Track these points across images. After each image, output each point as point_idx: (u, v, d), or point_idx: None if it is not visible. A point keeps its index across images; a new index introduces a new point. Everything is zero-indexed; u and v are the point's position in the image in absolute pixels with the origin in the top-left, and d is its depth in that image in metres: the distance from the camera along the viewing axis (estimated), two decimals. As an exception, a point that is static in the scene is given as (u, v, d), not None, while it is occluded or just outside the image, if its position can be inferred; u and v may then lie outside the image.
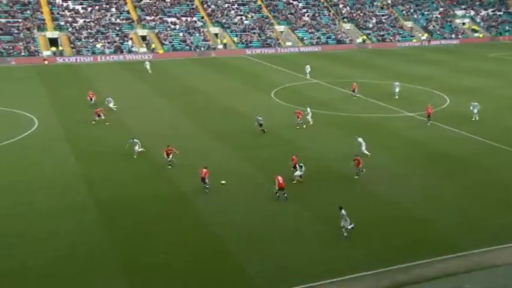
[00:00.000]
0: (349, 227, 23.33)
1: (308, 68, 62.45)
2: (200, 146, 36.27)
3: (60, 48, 75.42)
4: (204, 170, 28.22)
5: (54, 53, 74.06)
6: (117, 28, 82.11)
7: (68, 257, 21.77)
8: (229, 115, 44.27)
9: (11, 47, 72.14)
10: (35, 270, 20.79)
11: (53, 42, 76.77)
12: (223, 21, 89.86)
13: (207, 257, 22.03)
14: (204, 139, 37.76)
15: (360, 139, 33.97)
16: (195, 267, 21.32)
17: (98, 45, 77.00)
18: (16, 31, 75.61)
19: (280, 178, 27.17)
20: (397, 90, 51.53)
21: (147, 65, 64.43)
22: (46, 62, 70.40)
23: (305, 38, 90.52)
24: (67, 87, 55.73)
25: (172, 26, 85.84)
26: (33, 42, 74.82)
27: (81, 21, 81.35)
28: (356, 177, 30.09)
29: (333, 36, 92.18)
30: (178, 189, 28.69)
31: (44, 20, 79.37)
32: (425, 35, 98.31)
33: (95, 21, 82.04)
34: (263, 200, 27.48)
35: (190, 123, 42.08)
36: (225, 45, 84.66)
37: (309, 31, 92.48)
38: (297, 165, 29.88)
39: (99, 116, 41.30)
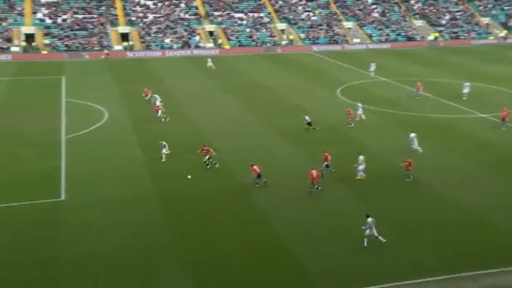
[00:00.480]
0: (379, 237, 22.23)
1: (373, 66, 61.03)
2: (265, 142, 36.41)
3: (131, 43, 78.29)
4: (255, 167, 28.36)
5: (125, 48, 76.98)
6: (186, 23, 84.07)
7: (132, 248, 22.47)
8: (294, 112, 44.14)
9: (86, 42, 75.81)
10: (101, 259, 21.61)
11: (124, 37, 79.87)
12: (290, 17, 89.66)
13: (267, 253, 22.06)
14: (269, 135, 37.85)
15: (413, 134, 32.78)
16: (255, 263, 21.41)
17: (167, 40, 79.18)
18: (91, 26, 79.34)
19: (314, 172, 27.43)
20: (465, 91, 48.89)
21: (209, 62, 65.25)
22: (103, 57, 73.44)
23: (373, 34, 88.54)
24: (136, 81, 57.72)
25: (239, 22, 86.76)
26: (106, 37, 78.18)
27: (151, 16, 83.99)
28: (407, 180, 29.05)
29: (403, 33, 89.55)
30: (239, 184, 28.99)
31: (116, 15, 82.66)
32: (504, 31, 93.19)
33: (164, 17, 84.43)
34: (325, 198, 27.24)
35: (255, 119, 42.34)
36: (291, 41, 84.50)
37: (378, 28, 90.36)
38: (328, 164, 29.63)
39: (157, 112, 41.95)
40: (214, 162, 31.21)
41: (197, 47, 79.63)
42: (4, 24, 75.73)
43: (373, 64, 61.39)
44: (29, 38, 75.20)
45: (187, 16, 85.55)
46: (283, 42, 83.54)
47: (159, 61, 71.07)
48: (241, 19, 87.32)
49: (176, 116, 43.11)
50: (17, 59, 69.44)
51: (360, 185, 28.82)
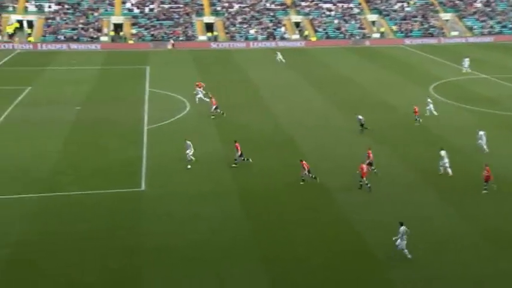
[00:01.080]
0: (404, 250, 21.19)
1: (467, 61, 57.84)
2: (348, 139, 35.93)
3: (215, 33, 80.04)
4: (304, 162, 28.40)
5: (209, 38, 78.86)
6: (271, 14, 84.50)
7: (209, 242, 23.05)
8: (382, 108, 43.05)
9: (171, 32, 78.57)
10: (179, 251, 22.36)
11: (209, 27, 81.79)
12: (382, 8, 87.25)
13: (347, 255, 21.88)
14: (353, 132, 37.25)
15: (482, 132, 31.11)
16: (333, 264, 21.30)
17: (251, 31, 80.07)
18: (177, 16, 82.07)
19: (364, 167, 27.51)
20: None
21: (279, 55, 64.63)
22: (170, 47, 75.40)
23: (475, 27, 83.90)
24: (219, 72, 58.96)
25: (328, 13, 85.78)
26: (191, 27, 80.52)
27: (236, 6, 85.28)
28: (484, 191, 27.16)
29: (510, 25, 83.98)
30: (321, 181, 28.81)
31: (202, 5, 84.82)
32: None
33: (250, 7, 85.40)
34: (413, 203, 26.43)
35: (339, 115, 41.82)
36: (382, 34, 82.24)
37: (480, 19, 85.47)
38: (371, 162, 28.76)
39: (216, 108, 41.51)
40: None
41: (282, 38, 79.78)
42: (95, 14, 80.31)
43: (466, 59, 58.26)
44: (117, 27, 79.24)
45: (273, 6, 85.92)
46: (374, 35, 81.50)
47: (242, 52, 72.07)
48: (330, 10, 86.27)
49: (258, 109, 43.50)
50: (105, 49, 73.38)
51: (450, 190, 27.66)
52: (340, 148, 33.59)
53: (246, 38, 79.12)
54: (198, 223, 24.68)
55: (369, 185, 27.52)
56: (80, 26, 77.64)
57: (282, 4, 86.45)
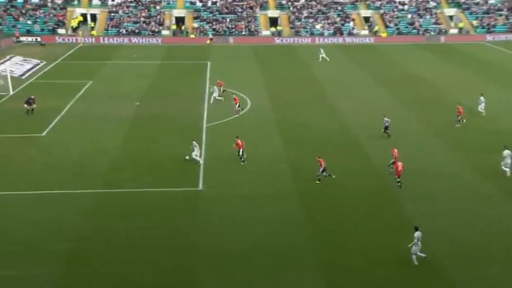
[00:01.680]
0: (422, 254, 21.21)
1: None
2: (418, 142, 35.09)
3: (279, 28, 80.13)
4: (321, 159, 29.01)
5: (272, 33, 79.08)
6: (339, 8, 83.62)
7: (266, 246, 23.14)
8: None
9: (233, 26, 79.47)
10: (235, 254, 22.59)
11: (273, 21, 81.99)
12: (462, 1, 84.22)
13: (411, 268, 21.32)
14: (424, 135, 36.35)
15: (507, 151, 29.43)
16: (398, 276, 20.86)
17: (317, 26, 79.58)
18: (240, 10, 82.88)
19: (400, 165, 28.01)
20: None
21: (322, 53, 62.96)
22: (208, 42, 75.84)
23: None
24: (282, 68, 59.00)
25: (400, 7, 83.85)
26: (254, 22, 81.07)
27: (302, 0, 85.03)
28: None
29: None
30: (388, 188, 28.21)
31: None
32: None
33: (317, 0, 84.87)
34: (486, 214, 25.50)
35: (409, 116, 40.85)
36: (460, 29, 79.41)
37: None
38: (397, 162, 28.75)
39: (239, 107, 41.24)
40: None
41: (350, 34, 78.80)
42: (157, 7, 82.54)
43: None
44: (179, 21, 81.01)
45: (341, 0, 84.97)
46: (451, 31, 78.82)
47: (307, 48, 71.77)
48: (403, 3, 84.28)
49: (322, 108, 43.20)
50: (166, 43, 75.19)
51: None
52: (409, 152, 32.72)
53: (312, 34, 78.71)
54: (255, 226, 24.80)
55: (400, 184, 27.84)
56: (142, 19, 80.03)
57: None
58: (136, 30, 77.81)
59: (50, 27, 77.20)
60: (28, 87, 50.36)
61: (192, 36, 77.69)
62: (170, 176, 30.45)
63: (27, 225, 24.73)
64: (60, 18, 78.94)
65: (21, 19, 77.89)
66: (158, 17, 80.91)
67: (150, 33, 77.64)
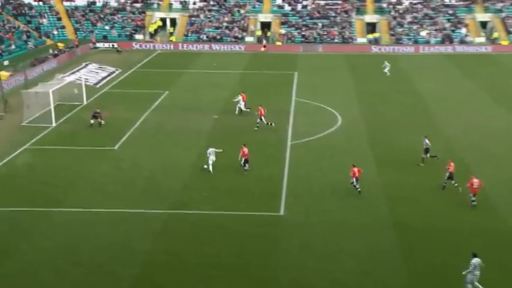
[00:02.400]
0: (472, 284, 20.91)
1: None
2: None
3: (377, 34, 79.12)
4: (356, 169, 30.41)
5: (369, 41, 78.30)
6: (450, 12, 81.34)
7: (355, 284, 22.74)
8: None
9: (325, 33, 79.48)
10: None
11: (371, 28, 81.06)
12: None
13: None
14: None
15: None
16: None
17: (423, 33, 77.83)
18: (333, 14, 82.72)
19: (452, 164, 29.93)
20: None
21: (387, 67, 60.87)
22: (262, 50, 75.55)
23: None
24: (378, 81, 58.16)
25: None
26: (349, 27, 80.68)
27: (406, 3, 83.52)
28: None
29: None
30: (507, 227, 26.95)
31: (364, 1, 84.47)
32: None
33: (424, 3, 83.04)
34: None
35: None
36: None
37: None
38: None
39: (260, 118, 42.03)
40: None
41: (462, 42, 76.46)
42: (242, 11, 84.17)
43: None
44: (265, 26, 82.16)
45: (453, 2, 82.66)
46: None
47: (409, 58, 70.45)
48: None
49: (425, 127, 42.00)
50: (249, 50, 76.58)
51: None
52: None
53: (415, 41, 77.16)
54: (342, 260, 24.43)
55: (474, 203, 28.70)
56: (225, 24, 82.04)
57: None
58: (218, 37, 79.86)
59: (128, 33, 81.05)
60: (102, 97, 52.95)
61: (279, 43, 78.61)
62: (248, 198, 30.71)
63: (94, 245, 25.75)
64: (139, 23, 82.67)
65: (98, 24, 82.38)
66: (242, 22, 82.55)
67: (233, 39, 79.39)
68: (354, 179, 30.54)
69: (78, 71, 61.30)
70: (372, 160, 35.80)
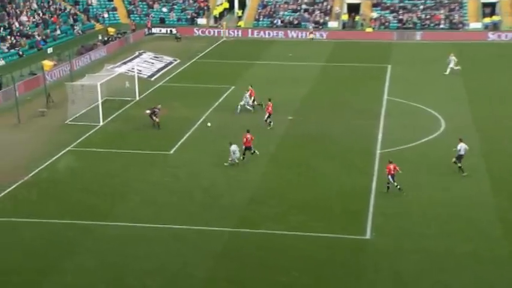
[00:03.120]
0: None
1: None
2: None
3: (496, 18, 76.62)
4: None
5: (486, 27, 75.95)
6: None
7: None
8: None
9: (427, 17, 77.89)
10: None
11: (489, 9, 78.28)
12: None
13: None
14: None
15: None
16: None
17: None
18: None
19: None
20: None
21: (452, 62, 57.92)
22: (310, 36, 75.24)
23: None
24: (497, 77, 56.62)
25: None
26: (460, 10, 78.64)
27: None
28: None
29: None
30: None
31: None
32: None
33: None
34: None
35: None
36: None
37: None
38: None
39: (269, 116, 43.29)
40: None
41: None
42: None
43: None
44: (352, 9, 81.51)
45: None
46: None
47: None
48: None
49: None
50: (332, 38, 76.27)
51: None
52: None
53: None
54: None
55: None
56: (304, 7, 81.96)
57: None
58: (295, 22, 79.89)
59: (188, 16, 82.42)
60: (157, 92, 54.08)
61: (369, 30, 77.88)
62: (327, 216, 30.50)
63: (143, 267, 26.15)
64: (202, 4, 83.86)
65: (155, 6, 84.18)
66: (325, 3, 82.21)
67: (313, 25, 79.19)
68: (390, 176, 32.09)
69: (130, 61, 62.97)
70: (486, 177, 34.95)
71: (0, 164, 37.66)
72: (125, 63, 61.24)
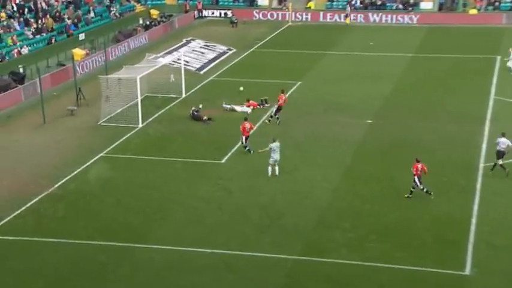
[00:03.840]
0: None
1: None
2: None
3: None
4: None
5: None
6: None
7: None
8: None
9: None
10: None
11: None
12: None
13: None
14: None
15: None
16: None
17: None
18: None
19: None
20: None
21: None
22: (347, 21, 73.65)
23: None
24: None
25: None
26: None
27: None
28: None
29: None
30: None
31: None
32: None
33: None
34: None
35: None
36: None
37: None
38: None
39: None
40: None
41: None
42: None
43: None
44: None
45: None
46: None
47: None
48: None
49: None
50: (425, 23, 75.66)
51: None
52: None
53: None
54: None
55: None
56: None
57: None
58: (379, 2, 79.45)
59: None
60: (207, 87, 54.54)
61: (473, 11, 76.77)
62: (415, 245, 30.10)
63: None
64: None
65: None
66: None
67: (401, 7, 78.60)
68: (416, 177, 33.53)
69: (176, 50, 63.63)
70: None
71: (21, 172, 38.54)
72: (169, 52, 61.90)
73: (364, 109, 47.55)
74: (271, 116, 45.47)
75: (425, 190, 33.66)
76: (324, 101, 49.80)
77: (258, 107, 48.12)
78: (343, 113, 47.31)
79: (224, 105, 47.92)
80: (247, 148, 40.18)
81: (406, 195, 33.81)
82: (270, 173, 36.88)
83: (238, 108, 47.58)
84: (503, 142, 36.42)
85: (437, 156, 39.36)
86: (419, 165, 33.47)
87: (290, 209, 33.71)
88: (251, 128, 40.33)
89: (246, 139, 40.15)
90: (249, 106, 47.84)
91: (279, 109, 45.04)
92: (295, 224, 32.08)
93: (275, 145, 36.79)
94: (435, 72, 57.18)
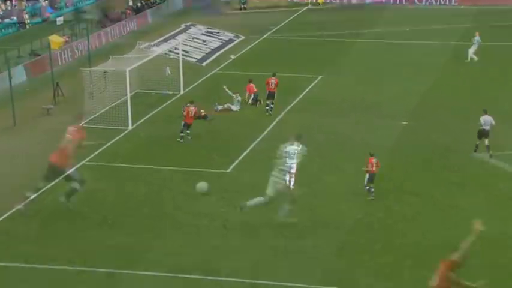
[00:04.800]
0: None
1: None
2: None
3: None
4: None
5: None
6: None
7: None
8: None
9: None
10: None
11: None
12: None
13: None
14: None
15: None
16: None
17: None
18: None
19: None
20: None
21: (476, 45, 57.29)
22: None
23: None
24: None
25: None
26: None
27: None
28: None
29: None
30: None
31: None
32: None
33: None
34: None
35: None
36: None
37: None
38: None
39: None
40: None
41: None
42: None
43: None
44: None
45: None
46: None
47: None
48: None
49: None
50: (472, 4, 75.94)
51: None
52: None
53: None
54: None
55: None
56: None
57: None
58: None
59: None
60: (210, 82, 54.71)
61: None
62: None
63: None
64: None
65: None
66: None
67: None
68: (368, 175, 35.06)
69: (173, 37, 63.70)
70: None
71: (-15, 184, 38.42)
72: (165, 40, 61.96)
73: (398, 108, 47.73)
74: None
75: (369, 189, 35.21)
76: (350, 98, 49.86)
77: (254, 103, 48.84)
78: (372, 112, 47.38)
79: (217, 107, 47.82)
80: (182, 135, 42.25)
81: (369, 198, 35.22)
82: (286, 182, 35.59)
83: (234, 107, 47.58)
84: (488, 120, 38.67)
85: (487, 167, 39.62)
86: (374, 160, 34.73)
87: (310, 229, 33.64)
88: (196, 114, 41.00)
89: (187, 127, 41.94)
90: (249, 91, 48.22)
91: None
92: (315, 247, 32.03)
93: (292, 149, 34.63)
94: (484, 65, 57.06)
